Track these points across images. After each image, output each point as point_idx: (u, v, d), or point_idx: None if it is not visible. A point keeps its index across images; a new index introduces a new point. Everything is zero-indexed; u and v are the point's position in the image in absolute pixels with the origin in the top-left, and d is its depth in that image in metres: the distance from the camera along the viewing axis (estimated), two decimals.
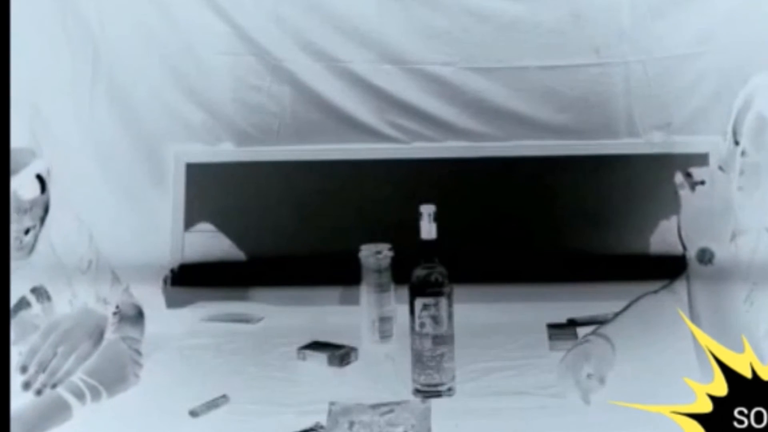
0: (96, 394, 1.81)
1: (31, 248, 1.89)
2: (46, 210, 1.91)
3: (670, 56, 2.63)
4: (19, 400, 1.74)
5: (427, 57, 2.67)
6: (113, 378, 1.84)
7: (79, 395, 1.78)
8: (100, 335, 1.90)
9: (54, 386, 1.78)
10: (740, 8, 2.56)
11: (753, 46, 2.48)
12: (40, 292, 1.91)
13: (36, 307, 1.89)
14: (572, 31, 2.61)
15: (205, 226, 2.68)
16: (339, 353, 2.15)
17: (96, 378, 1.81)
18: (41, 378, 1.78)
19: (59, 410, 1.76)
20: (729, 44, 2.56)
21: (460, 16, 2.63)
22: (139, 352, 1.94)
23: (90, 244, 2.06)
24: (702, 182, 1.71)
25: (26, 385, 1.77)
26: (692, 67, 2.62)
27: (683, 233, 1.73)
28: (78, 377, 1.80)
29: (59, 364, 1.81)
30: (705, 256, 1.71)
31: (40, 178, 1.87)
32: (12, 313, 1.83)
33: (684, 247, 1.73)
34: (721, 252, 1.70)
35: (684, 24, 2.60)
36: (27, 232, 1.87)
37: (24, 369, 1.78)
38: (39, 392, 1.77)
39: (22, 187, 1.84)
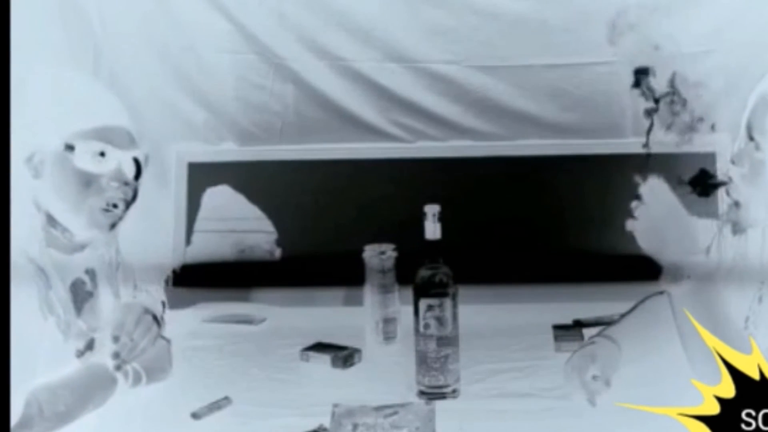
0: (137, 378, 1.87)
1: (113, 225, 1.89)
2: (134, 196, 1.91)
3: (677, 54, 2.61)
4: (70, 366, 1.80)
5: (432, 55, 2.66)
6: (153, 367, 1.91)
7: (125, 374, 1.85)
8: (159, 323, 1.99)
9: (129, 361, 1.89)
10: (748, 7, 2.55)
11: (761, 45, 2.47)
12: (92, 274, 1.93)
13: (89, 284, 1.92)
14: (578, 29, 2.59)
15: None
16: (342, 354, 2.14)
17: (140, 363, 1.88)
18: (126, 350, 1.88)
19: (106, 383, 1.83)
20: (737, 42, 2.55)
21: (464, 14, 2.62)
22: (170, 351, 1.99)
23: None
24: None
25: (116, 355, 1.86)
26: (700, 65, 2.61)
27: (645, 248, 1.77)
28: None
29: (138, 341, 1.91)
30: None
31: (137, 161, 1.87)
32: (69, 289, 1.87)
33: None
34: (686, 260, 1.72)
35: (691, 22, 2.58)
36: (116, 206, 1.87)
37: (117, 338, 1.88)
38: (119, 367, 1.85)
39: (124, 163, 1.85)
